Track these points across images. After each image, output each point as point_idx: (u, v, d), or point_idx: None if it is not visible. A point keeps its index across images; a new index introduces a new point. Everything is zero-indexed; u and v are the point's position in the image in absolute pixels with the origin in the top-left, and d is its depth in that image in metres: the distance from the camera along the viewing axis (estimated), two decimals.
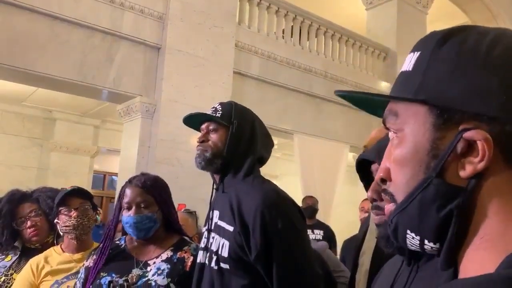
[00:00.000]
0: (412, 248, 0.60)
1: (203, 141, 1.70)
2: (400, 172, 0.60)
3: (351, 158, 7.59)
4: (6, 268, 2.28)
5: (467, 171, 0.54)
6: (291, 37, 6.93)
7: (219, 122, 1.71)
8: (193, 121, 1.78)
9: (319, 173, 6.80)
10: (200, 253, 1.70)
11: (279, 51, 6.51)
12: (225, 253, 1.55)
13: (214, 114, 1.71)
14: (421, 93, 0.57)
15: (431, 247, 0.58)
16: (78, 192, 2.18)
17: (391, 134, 0.63)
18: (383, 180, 0.64)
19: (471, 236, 0.54)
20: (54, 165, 7.68)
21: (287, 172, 9.14)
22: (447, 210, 0.54)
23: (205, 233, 1.72)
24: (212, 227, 1.67)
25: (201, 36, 5.47)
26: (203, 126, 1.74)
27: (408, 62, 0.62)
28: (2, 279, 2.23)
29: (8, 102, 7.33)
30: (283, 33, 6.81)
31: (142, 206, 1.86)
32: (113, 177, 9.01)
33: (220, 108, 1.74)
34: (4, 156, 7.20)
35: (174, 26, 5.30)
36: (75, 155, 7.87)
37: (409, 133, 0.59)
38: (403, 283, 0.80)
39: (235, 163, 1.66)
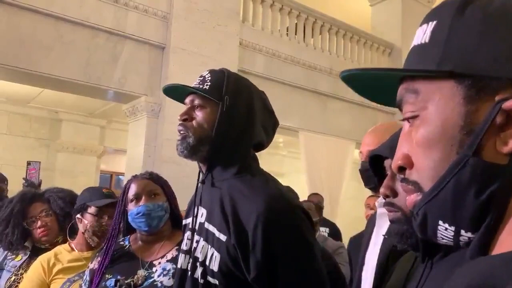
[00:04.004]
0: (443, 241, 0.54)
1: (185, 119, 1.36)
2: (426, 155, 0.53)
3: (357, 154, 7.56)
4: (16, 268, 2.30)
5: (509, 145, 0.48)
6: (295, 34, 6.90)
7: (206, 97, 1.35)
8: (176, 91, 1.44)
9: (325, 170, 6.79)
10: (181, 256, 1.42)
11: (283, 49, 6.49)
12: (214, 267, 1.25)
13: (201, 86, 1.36)
14: (446, 64, 0.52)
15: (468, 238, 0.52)
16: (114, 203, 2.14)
17: (408, 113, 0.57)
18: (401, 169, 0.57)
19: (507, 219, 0.49)
20: (61, 166, 7.70)
21: (293, 170, 9.13)
22: (488, 193, 0.48)
23: (188, 233, 1.42)
24: (196, 227, 1.38)
25: (205, 35, 5.46)
26: (187, 99, 1.39)
27: (421, 34, 0.56)
28: (12, 279, 2.24)
29: (15, 104, 7.37)
30: (287, 30, 6.78)
31: (153, 195, 1.84)
32: (120, 176, 9.03)
33: (209, 78, 1.38)
34: (12, 157, 7.22)
35: (178, 25, 5.29)
36: (82, 155, 7.89)
37: (434, 110, 0.53)
38: (417, 280, 0.78)
39: (226, 150, 1.34)
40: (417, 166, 0.54)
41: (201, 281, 1.29)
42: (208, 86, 1.36)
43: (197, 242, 1.35)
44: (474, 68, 0.50)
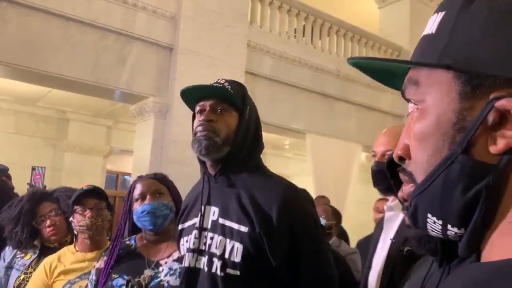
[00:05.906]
0: (434, 234, 0.54)
1: (211, 120, 1.44)
2: (420, 148, 0.53)
3: (364, 157, 7.54)
4: (25, 267, 2.32)
5: (498, 146, 0.47)
6: (303, 36, 6.90)
7: (233, 103, 1.46)
8: (191, 95, 1.53)
9: (332, 173, 6.77)
10: (188, 255, 1.49)
11: (291, 51, 6.49)
12: (237, 258, 1.35)
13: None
14: (447, 57, 0.51)
15: (455, 233, 0.52)
16: (93, 192, 2.19)
17: (411, 107, 0.57)
18: (401, 159, 0.58)
19: (499, 220, 0.48)
20: (67, 165, 7.73)
21: (299, 172, 9.11)
22: (474, 191, 0.48)
23: (195, 232, 1.48)
24: (208, 226, 1.45)
25: (213, 36, 5.47)
26: (208, 103, 1.47)
27: (431, 24, 0.55)
28: (21, 277, 2.27)
29: (23, 103, 7.41)
30: (295, 32, 6.78)
31: (158, 194, 1.85)
32: (126, 177, 9.06)
33: (230, 87, 1.48)
34: (19, 157, 7.27)
35: (187, 26, 5.31)
36: (88, 155, 7.92)
37: (431, 104, 0.52)
38: (434, 285, 0.77)
39: (243, 154, 1.45)
40: (413, 157, 0.55)
41: (220, 274, 1.37)
42: (232, 93, 1.47)
43: (212, 238, 1.42)
44: (472, 64, 0.49)
